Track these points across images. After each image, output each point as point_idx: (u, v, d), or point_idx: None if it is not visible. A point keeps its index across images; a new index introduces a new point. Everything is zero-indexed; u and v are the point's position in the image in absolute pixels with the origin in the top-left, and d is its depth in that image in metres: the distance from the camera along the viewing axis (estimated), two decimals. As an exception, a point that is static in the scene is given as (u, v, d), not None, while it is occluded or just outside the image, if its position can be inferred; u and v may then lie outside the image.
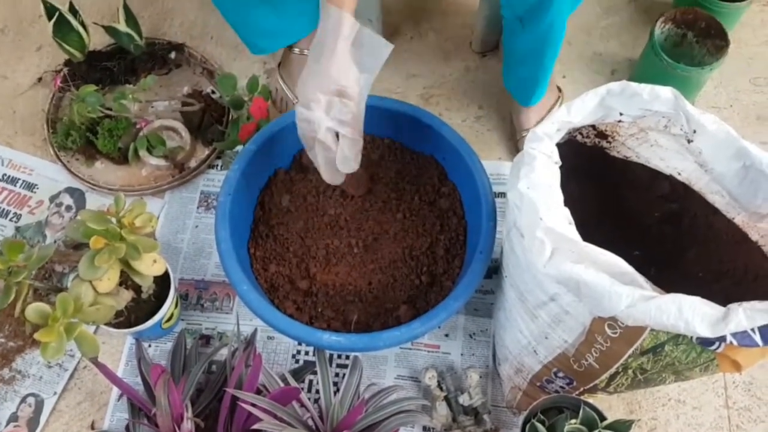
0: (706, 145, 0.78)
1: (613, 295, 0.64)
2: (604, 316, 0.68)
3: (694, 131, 0.78)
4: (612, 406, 1.02)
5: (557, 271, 0.68)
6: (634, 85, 0.77)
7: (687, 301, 0.62)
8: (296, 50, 1.23)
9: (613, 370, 0.76)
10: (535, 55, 1.05)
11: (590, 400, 0.85)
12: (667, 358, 0.71)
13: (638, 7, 1.41)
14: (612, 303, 0.64)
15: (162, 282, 1.00)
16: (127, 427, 0.99)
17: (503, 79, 1.19)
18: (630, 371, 0.75)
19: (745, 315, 0.61)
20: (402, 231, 1.07)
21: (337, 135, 0.89)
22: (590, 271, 0.66)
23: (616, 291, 0.64)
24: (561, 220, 0.70)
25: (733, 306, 0.62)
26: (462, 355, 1.07)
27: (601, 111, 0.79)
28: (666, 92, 0.76)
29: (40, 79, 1.36)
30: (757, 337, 0.63)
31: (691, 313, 0.62)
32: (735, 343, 0.63)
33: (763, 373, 1.05)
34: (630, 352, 0.71)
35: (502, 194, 1.14)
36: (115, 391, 1.05)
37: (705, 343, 0.66)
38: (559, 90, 1.27)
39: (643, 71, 1.28)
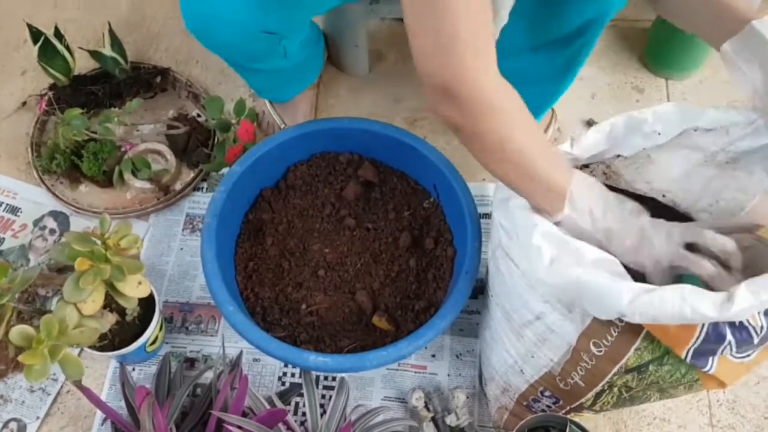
0: None
1: (614, 291, 0.63)
2: (610, 318, 0.67)
3: None
4: (598, 425, 1.03)
5: (559, 277, 0.67)
6: (636, 114, 0.77)
7: (688, 288, 0.62)
8: None
9: (598, 388, 0.76)
10: (568, 69, 1.05)
11: (577, 419, 0.85)
12: (651, 376, 0.71)
13: (617, 33, 1.44)
14: (613, 300, 0.63)
15: (146, 305, 1.00)
16: (110, 452, 0.98)
17: None
18: (615, 389, 0.76)
19: (749, 290, 0.60)
20: (389, 252, 1.08)
21: None
22: (590, 271, 0.65)
23: (616, 288, 0.63)
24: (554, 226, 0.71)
25: (736, 286, 0.61)
26: (449, 375, 1.07)
27: (605, 145, 0.79)
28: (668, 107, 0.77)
29: (24, 103, 1.35)
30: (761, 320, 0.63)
31: (697, 298, 0.61)
32: (733, 348, 0.63)
33: (746, 390, 1.05)
34: (615, 370, 0.71)
35: (487, 215, 1.15)
36: (99, 415, 1.04)
37: (698, 359, 0.65)
38: (553, 110, 1.27)
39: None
